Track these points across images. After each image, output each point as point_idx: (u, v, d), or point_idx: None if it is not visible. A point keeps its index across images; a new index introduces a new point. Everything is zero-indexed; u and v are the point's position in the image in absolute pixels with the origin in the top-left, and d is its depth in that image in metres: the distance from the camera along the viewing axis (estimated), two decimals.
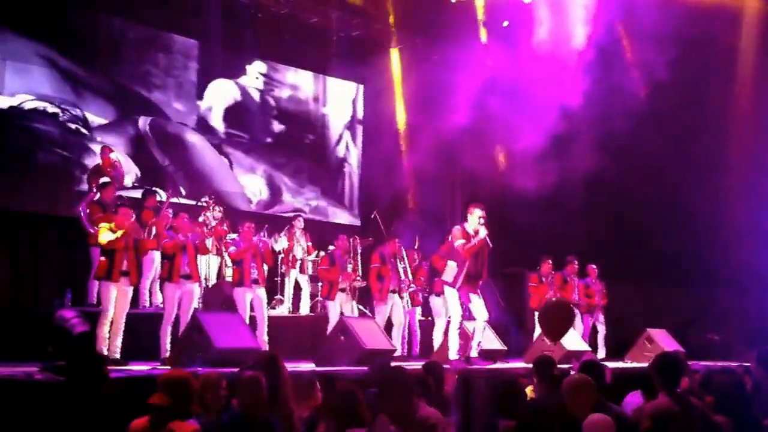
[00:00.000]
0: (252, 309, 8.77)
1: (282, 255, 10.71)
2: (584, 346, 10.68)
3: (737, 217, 12.24)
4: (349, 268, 9.90)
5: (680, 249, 12.67)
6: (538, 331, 10.79)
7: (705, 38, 12.51)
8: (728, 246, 12.23)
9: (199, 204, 10.15)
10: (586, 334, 11.44)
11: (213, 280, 10.11)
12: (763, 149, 12.52)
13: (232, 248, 8.85)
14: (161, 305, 9.17)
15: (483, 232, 8.35)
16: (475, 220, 8.43)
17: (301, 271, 10.78)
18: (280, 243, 10.74)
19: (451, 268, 8.35)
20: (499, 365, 9.24)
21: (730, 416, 4.73)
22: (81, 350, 4.97)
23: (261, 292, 8.76)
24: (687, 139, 12.91)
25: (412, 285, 10.14)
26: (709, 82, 12.69)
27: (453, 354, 8.44)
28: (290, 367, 7.57)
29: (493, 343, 9.78)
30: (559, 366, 5.98)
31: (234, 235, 9.68)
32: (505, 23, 13.53)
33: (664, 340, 10.92)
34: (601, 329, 11.62)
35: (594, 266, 11.62)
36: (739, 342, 11.47)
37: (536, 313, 11.13)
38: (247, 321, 8.40)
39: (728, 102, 13.05)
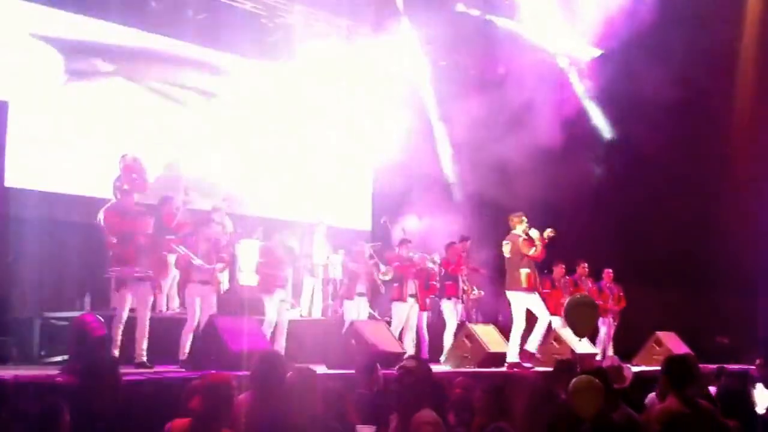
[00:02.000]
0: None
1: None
2: (593, 349, 10.81)
3: (746, 220, 12.26)
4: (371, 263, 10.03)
5: (689, 252, 12.71)
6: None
7: (706, 37, 12.56)
8: (738, 249, 12.24)
9: (215, 208, 10.25)
10: (609, 336, 11.53)
11: (226, 284, 10.26)
12: None
13: (262, 259, 8.96)
14: (177, 309, 9.39)
15: (536, 233, 8.98)
16: (524, 226, 9.09)
17: (314, 275, 10.93)
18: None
19: (525, 275, 8.96)
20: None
21: (736, 418, 4.79)
22: (97, 353, 5.06)
23: (285, 295, 8.91)
24: (696, 141, 12.95)
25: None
26: (717, 81, 12.75)
27: (513, 357, 9.08)
28: None
29: (502, 346, 9.92)
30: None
31: (254, 241, 9.86)
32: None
33: (672, 343, 11.03)
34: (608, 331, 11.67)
35: (610, 270, 11.70)
36: (749, 345, 11.53)
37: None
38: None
39: (738, 105, 13.09)
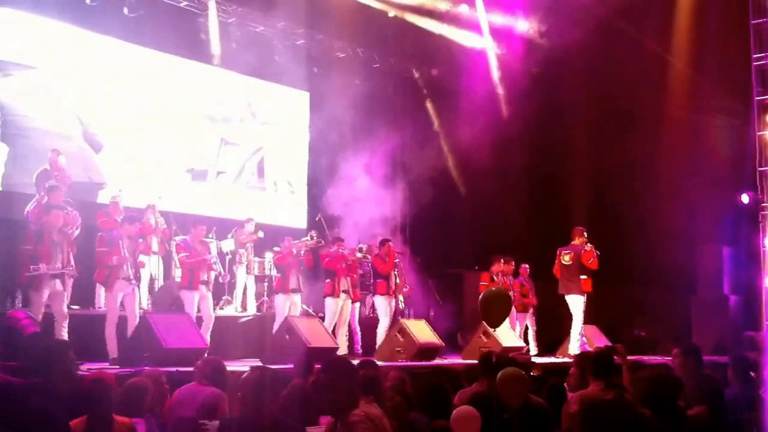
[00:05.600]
0: (198, 309, 8.95)
1: (229, 256, 10.92)
2: (520, 342, 11.21)
3: (663, 220, 12.83)
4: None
5: (611, 250, 13.24)
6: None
7: (636, 45, 13.11)
8: (655, 248, 12.82)
9: (149, 205, 10.23)
10: (520, 331, 11.94)
11: (161, 282, 10.26)
12: (691, 156, 13.17)
13: (183, 254, 9.02)
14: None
15: (589, 246, 10.34)
16: (584, 238, 10.25)
17: (248, 271, 11.01)
18: (227, 245, 10.96)
19: (585, 281, 10.34)
20: (437, 361, 9.70)
21: (655, 409, 4.87)
22: (58, 352, 4.99)
23: (208, 293, 8.95)
24: (618, 144, 13.49)
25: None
26: (643, 89, 13.30)
27: (575, 350, 10.15)
28: (237, 366, 7.90)
29: (432, 339, 10.20)
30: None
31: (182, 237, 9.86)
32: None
33: (594, 336, 11.49)
34: (532, 326, 12.06)
35: (526, 266, 12.07)
36: (665, 338, 12.12)
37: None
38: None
39: (659, 109, 13.67)
